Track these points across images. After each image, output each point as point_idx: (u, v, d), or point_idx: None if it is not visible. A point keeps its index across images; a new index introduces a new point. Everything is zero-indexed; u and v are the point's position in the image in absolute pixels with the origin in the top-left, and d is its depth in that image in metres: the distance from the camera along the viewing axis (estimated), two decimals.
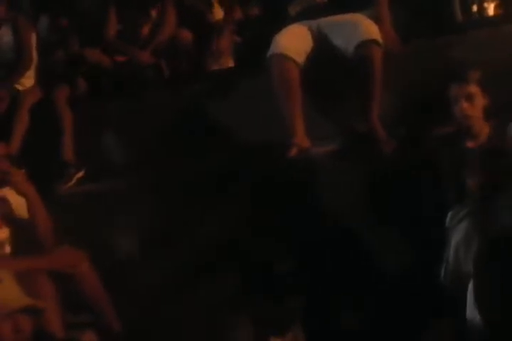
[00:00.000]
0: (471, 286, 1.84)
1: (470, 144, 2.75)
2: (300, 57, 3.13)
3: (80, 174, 3.40)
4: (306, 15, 3.27)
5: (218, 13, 4.26)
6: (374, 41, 3.04)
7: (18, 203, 2.78)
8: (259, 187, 3.00)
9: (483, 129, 2.74)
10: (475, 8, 4.10)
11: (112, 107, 3.57)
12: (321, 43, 3.21)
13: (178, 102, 3.52)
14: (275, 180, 2.99)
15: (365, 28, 3.09)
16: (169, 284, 2.95)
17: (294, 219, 2.88)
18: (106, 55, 3.75)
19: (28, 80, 3.70)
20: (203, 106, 3.48)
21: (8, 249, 2.71)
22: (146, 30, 3.88)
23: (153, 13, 3.88)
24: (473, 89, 2.70)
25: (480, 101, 2.72)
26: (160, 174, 3.25)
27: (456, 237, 1.94)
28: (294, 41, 3.17)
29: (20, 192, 2.73)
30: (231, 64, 4.15)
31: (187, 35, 3.84)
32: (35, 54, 3.73)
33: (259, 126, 3.20)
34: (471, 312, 1.85)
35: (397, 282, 2.67)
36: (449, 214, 2.02)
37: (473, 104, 2.70)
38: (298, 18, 3.29)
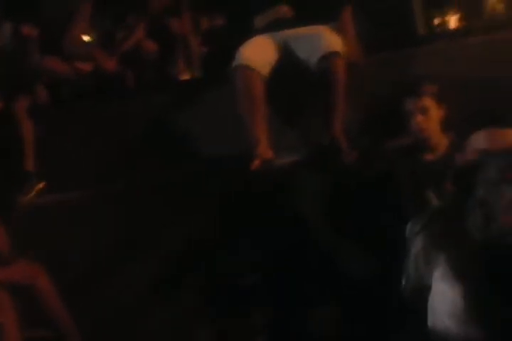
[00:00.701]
0: (430, 299, 1.86)
1: (428, 156, 2.79)
2: (264, 69, 3.15)
3: (41, 185, 3.36)
4: (272, 27, 3.29)
5: (186, 23, 4.26)
6: (336, 53, 3.07)
7: None
8: (224, 198, 3.00)
9: (441, 142, 2.78)
10: (436, 21, 4.17)
11: (75, 117, 3.54)
12: (286, 55, 3.23)
13: (143, 112, 3.51)
14: (240, 191, 2.99)
15: (327, 40, 3.12)
16: (132, 297, 2.93)
17: (258, 230, 2.88)
18: (67, 63, 3.71)
19: None
20: (168, 116, 3.47)
21: None
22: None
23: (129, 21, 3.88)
24: (427, 102, 2.75)
25: (435, 113, 2.76)
26: (125, 185, 3.23)
27: (414, 250, 1.96)
28: (258, 53, 3.18)
29: None
30: (197, 74, 4.15)
31: (151, 46, 3.83)
32: None
33: (225, 137, 3.21)
34: (433, 322, 1.87)
35: (363, 293, 2.68)
36: (408, 226, 2.04)
37: (427, 117, 2.74)
38: (263, 30, 3.31)
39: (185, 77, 4.10)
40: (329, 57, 3.05)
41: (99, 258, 3.00)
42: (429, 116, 2.74)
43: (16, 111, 3.42)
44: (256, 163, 2.94)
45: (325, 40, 3.11)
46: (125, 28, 3.89)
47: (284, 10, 3.30)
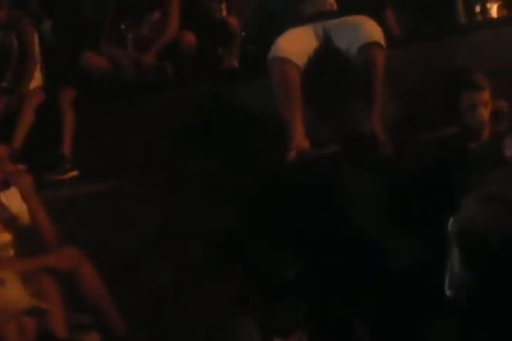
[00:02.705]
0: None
1: (472, 145, 2.76)
2: (301, 59, 3.13)
3: (74, 173, 3.42)
4: (313, 18, 3.26)
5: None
6: (376, 43, 3.05)
7: (20, 206, 2.79)
8: (261, 189, 3.00)
9: (486, 132, 2.75)
10: (478, 8, 4.10)
11: (115, 109, 3.58)
12: (325, 45, 3.22)
13: (181, 103, 3.53)
14: (277, 181, 2.99)
15: (367, 30, 3.10)
16: (172, 286, 2.96)
17: (295, 221, 2.88)
18: (105, 57, 3.77)
19: (32, 81, 3.73)
20: (208, 108, 3.49)
21: (11, 253, 2.72)
22: (146, 29, 3.89)
23: (156, 15, 3.89)
24: (487, 95, 2.73)
25: (490, 106, 2.75)
26: (161, 175, 3.25)
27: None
28: (295, 43, 3.17)
29: (22, 194, 2.75)
30: (236, 65, 4.16)
31: (190, 38, 3.83)
32: (38, 56, 3.76)
33: (264, 127, 3.21)
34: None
35: (405, 284, 2.66)
36: (451, 219, 1.99)
37: (487, 110, 2.73)
38: (304, 20, 3.27)
39: (226, 67, 4.09)
40: (369, 47, 3.04)
41: (136, 248, 3.02)
42: (488, 109, 2.72)
43: (61, 103, 3.50)
44: (292, 154, 2.94)
45: (365, 30, 3.10)
46: (151, 19, 3.89)
47: (330, 2, 3.28)
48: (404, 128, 3.07)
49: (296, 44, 3.16)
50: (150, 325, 2.79)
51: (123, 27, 3.87)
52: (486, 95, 2.74)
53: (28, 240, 2.73)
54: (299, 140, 2.99)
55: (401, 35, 3.49)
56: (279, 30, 3.25)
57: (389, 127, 2.99)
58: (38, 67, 3.76)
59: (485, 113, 2.73)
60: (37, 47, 3.76)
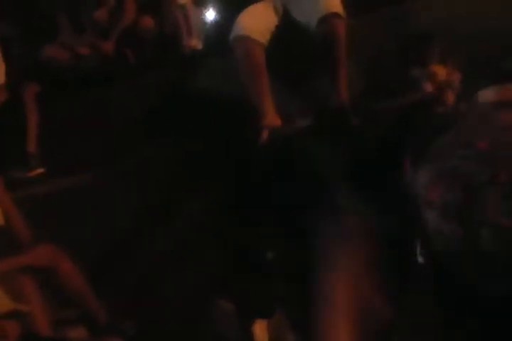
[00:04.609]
0: None
1: (439, 109, 2.78)
2: (264, 37, 3.10)
3: (41, 170, 3.38)
4: None
5: None
6: (335, 14, 3.02)
7: None
8: (236, 169, 3.00)
9: (449, 97, 2.77)
10: None
11: (80, 102, 3.54)
12: (286, 20, 3.18)
13: (147, 90, 3.50)
14: (253, 160, 2.98)
15: (325, 1, 3.07)
16: (154, 272, 2.96)
17: (272, 199, 2.88)
18: (66, 50, 3.72)
19: None
20: (173, 92, 3.46)
21: None
22: (102, 15, 3.83)
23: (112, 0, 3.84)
24: (435, 68, 2.74)
25: (442, 75, 2.76)
26: (136, 162, 3.24)
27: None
28: (257, 21, 3.13)
29: None
30: (199, 46, 4.12)
31: (149, 22, 3.79)
32: None
33: (232, 108, 3.19)
34: None
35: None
36: None
37: (435, 81, 2.74)
38: None
39: (188, 49, 4.05)
40: (328, 19, 3.01)
41: (113, 238, 3.01)
42: (437, 80, 2.74)
43: (25, 98, 3.46)
44: (264, 135, 2.93)
45: (323, 1, 3.07)
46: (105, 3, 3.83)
47: None
48: (369, 96, 3.06)
49: (258, 21, 3.12)
50: (132, 310, 2.78)
51: (79, 15, 3.82)
52: (432, 69, 2.75)
53: (2, 241, 2.70)
54: (270, 117, 2.97)
55: (359, 3, 3.47)
56: (240, 8, 3.22)
57: (354, 96, 2.98)
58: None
59: (431, 85, 2.76)
60: None
